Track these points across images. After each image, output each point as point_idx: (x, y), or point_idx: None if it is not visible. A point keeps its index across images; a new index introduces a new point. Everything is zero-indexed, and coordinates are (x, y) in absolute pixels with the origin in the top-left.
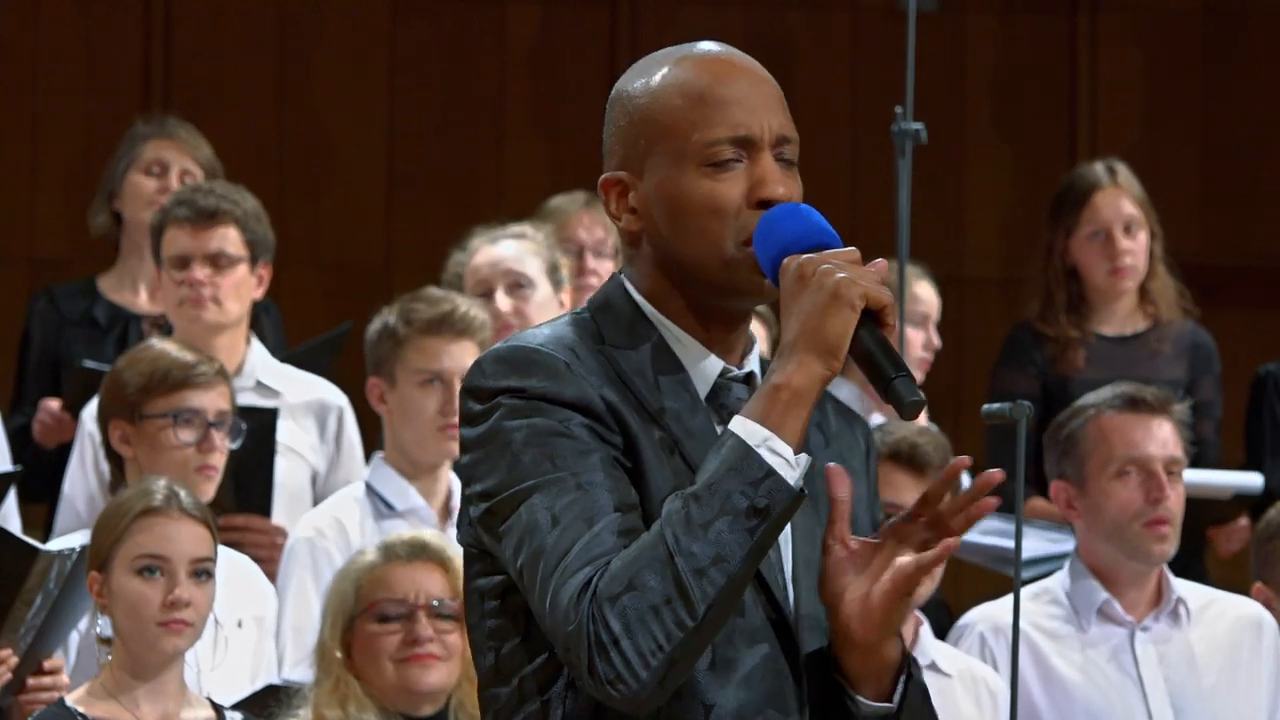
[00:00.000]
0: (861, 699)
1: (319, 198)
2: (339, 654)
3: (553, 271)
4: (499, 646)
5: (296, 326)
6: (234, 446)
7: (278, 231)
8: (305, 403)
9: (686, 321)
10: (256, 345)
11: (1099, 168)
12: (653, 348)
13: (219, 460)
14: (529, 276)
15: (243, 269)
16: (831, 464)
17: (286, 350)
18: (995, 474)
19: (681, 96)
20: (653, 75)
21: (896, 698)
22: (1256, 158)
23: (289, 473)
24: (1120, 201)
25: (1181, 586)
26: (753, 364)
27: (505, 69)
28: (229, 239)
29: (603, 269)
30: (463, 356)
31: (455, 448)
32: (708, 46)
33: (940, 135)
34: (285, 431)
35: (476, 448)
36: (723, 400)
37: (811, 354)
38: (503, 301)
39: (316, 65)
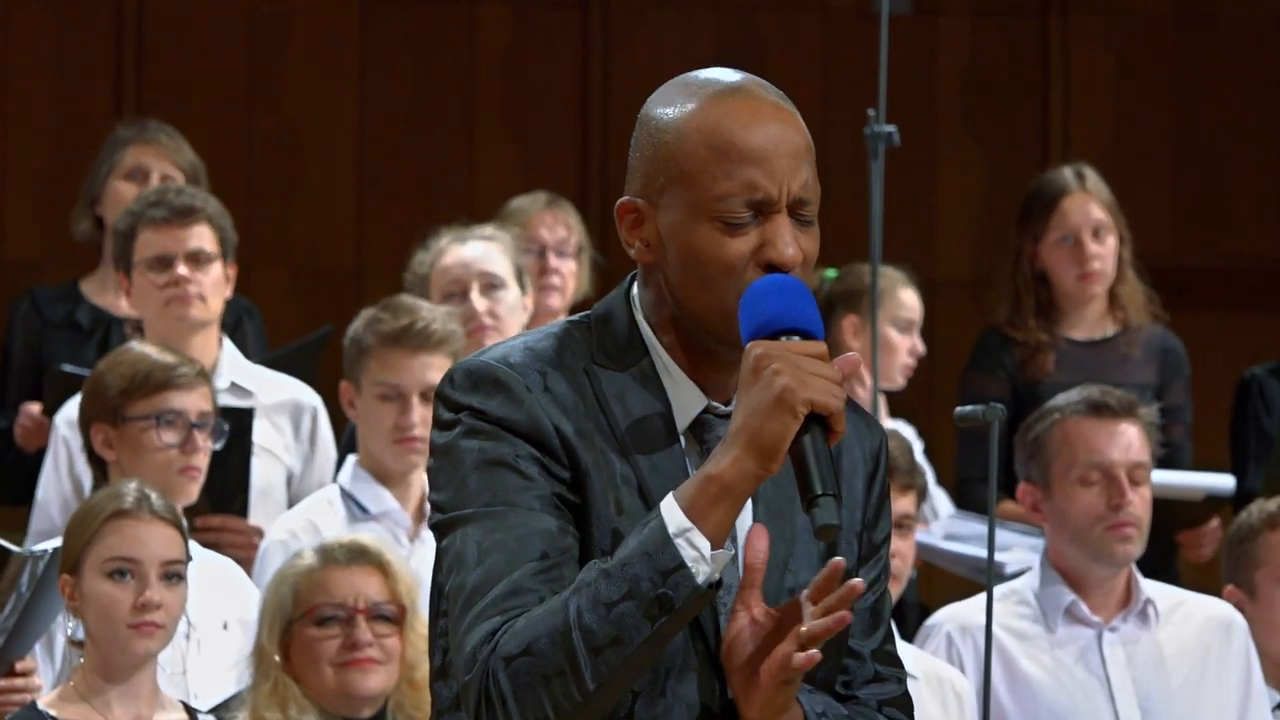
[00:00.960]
0: None
1: (290, 199)
2: (277, 657)
3: (519, 274)
4: (447, 646)
5: (267, 328)
6: (216, 447)
7: (249, 232)
8: (279, 403)
9: (680, 355)
10: (229, 346)
11: (1067, 172)
12: (640, 373)
13: (202, 461)
14: (501, 277)
15: (218, 266)
16: (754, 525)
17: (267, 353)
18: (857, 585)
19: (706, 146)
20: (682, 108)
21: None
22: (1227, 160)
23: (263, 473)
24: (1088, 206)
25: (1150, 588)
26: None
27: (476, 70)
28: (205, 236)
29: (565, 269)
30: (423, 371)
31: (414, 459)
32: (740, 84)
33: (912, 138)
34: (259, 432)
35: (439, 456)
36: (703, 436)
37: (746, 451)
38: (478, 302)
39: (287, 66)
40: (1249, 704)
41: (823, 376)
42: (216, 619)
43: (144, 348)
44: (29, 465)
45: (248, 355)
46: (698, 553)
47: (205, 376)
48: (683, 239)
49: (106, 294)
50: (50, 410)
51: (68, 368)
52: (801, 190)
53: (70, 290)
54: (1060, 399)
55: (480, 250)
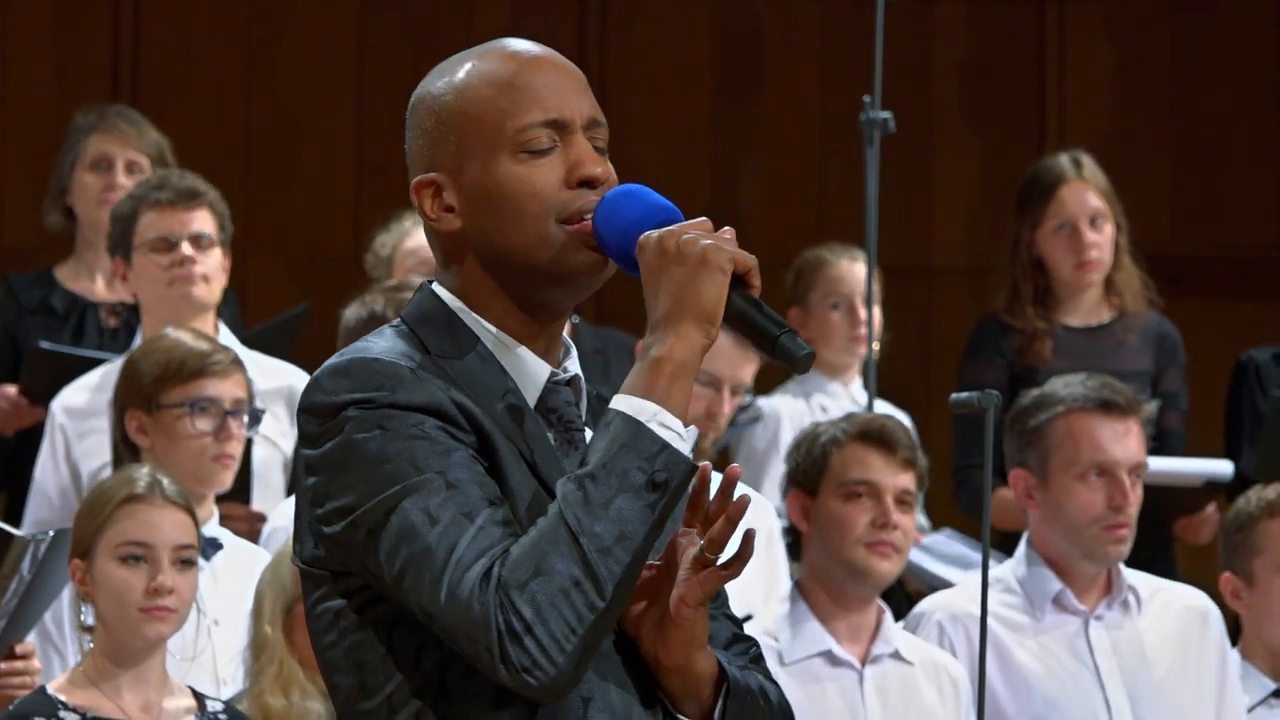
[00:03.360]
0: (683, 718)
1: (288, 187)
2: (282, 641)
3: None
4: (362, 662)
5: (265, 315)
6: (251, 434)
7: (247, 220)
8: (274, 388)
9: (509, 325)
10: (225, 331)
11: (1064, 160)
12: (478, 356)
13: (236, 449)
14: None
15: (219, 252)
16: None
17: (243, 333)
18: (735, 469)
19: (489, 87)
20: (455, 73)
21: (717, 713)
22: (1224, 147)
23: (261, 459)
24: (1086, 195)
25: (1130, 576)
26: (574, 367)
27: None
28: (207, 221)
29: None
30: None
31: None
32: (507, 40)
33: (908, 125)
34: None
35: (326, 466)
36: (550, 404)
37: (689, 324)
38: None
39: (285, 54)
40: (1225, 693)
41: (725, 239)
42: (247, 605)
43: (178, 335)
44: (6, 447)
45: (240, 336)
46: (673, 431)
47: (239, 364)
48: (489, 182)
49: (80, 279)
50: (27, 390)
51: (47, 345)
52: (594, 113)
53: (44, 276)
54: (1061, 388)
55: None
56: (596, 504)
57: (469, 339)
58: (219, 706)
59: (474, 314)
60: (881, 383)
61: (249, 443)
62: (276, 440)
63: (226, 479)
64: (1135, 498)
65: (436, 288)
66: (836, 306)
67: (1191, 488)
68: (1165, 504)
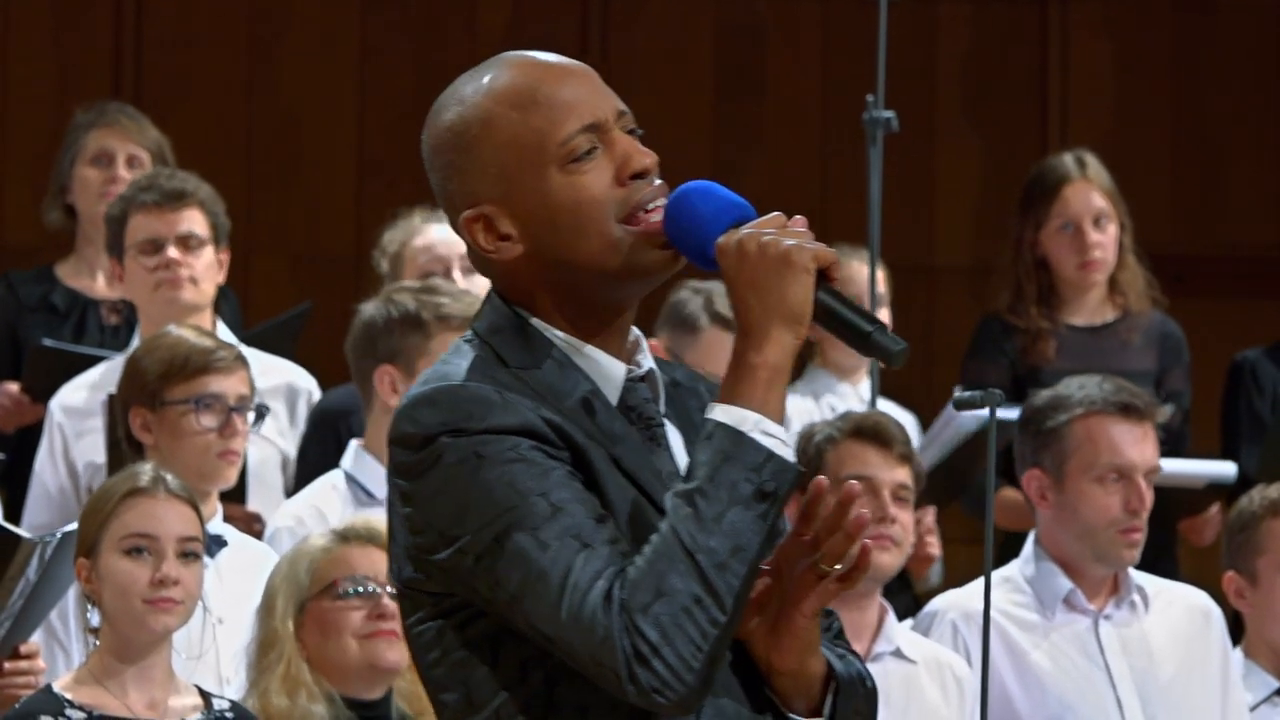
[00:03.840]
0: (794, 716)
1: (289, 186)
2: (292, 638)
3: None
4: (467, 679)
5: (267, 315)
6: (255, 431)
7: (248, 219)
8: (274, 387)
9: (582, 330)
10: (223, 329)
11: (1068, 159)
12: (555, 363)
13: (241, 445)
14: None
15: (210, 250)
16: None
17: (244, 332)
18: (854, 486)
19: (515, 109)
20: (468, 102)
21: (826, 709)
22: (1226, 147)
23: (258, 458)
24: (1090, 194)
25: (1136, 576)
26: (647, 361)
27: (476, 57)
28: (196, 220)
29: None
30: None
31: None
32: (511, 54)
33: (911, 124)
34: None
35: (424, 496)
36: (630, 402)
37: (779, 327)
38: (461, 281)
39: (286, 53)
40: (1228, 691)
41: (804, 235)
42: (251, 604)
43: (182, 332)
44: (8, 445)
45: (240, 336)
46: (775, 439)
47: (243, 360)
48: (544, 201)
49: (81, 277)
50: (29, 388)
51: (50, 342)
52: (619, 104)
53: (45, 273)
54: (1077, 390)
55: None
56: (709, 519)
57: (543, 347)
58: (225, 705)
59: (543, 321)
60: (884, 382)
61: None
62: (274, 439)
63: (231, 475)
64: (1149, 501)
65: (503, 299)
66: None
67: (1194, 489)
68: (1169, 505)
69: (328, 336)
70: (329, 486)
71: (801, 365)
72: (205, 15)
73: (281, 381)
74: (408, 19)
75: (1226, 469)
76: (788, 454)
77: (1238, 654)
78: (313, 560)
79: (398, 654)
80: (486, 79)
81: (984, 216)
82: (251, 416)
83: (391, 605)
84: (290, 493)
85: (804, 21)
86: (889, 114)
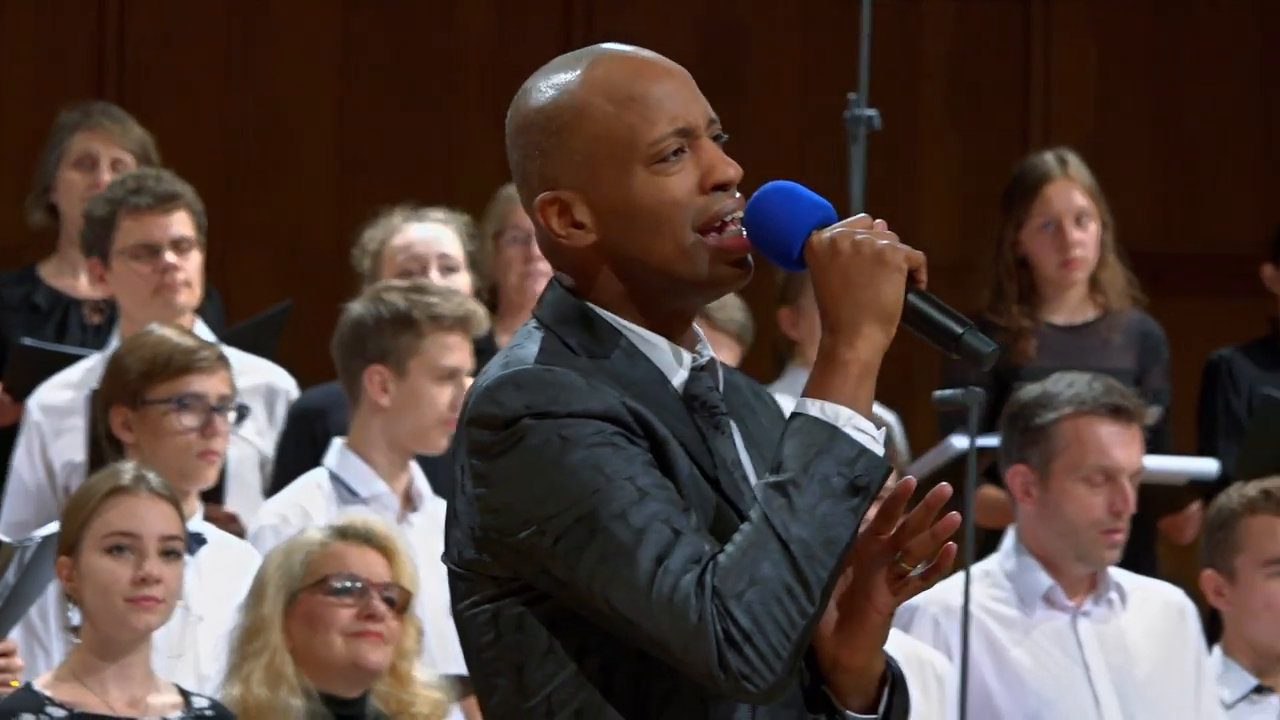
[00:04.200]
0: (850, 713)
1: (271, 183)
2: (279, 628)
3: (473, 261)
4: (521, 663)
5: (248, 312)
6: (236, 431)
7: (230, 216)
8: (253, 386)
9: (647, 320)
10: (202, 328)
11: (1050, 158)
12: (623, 353)
13: (221, 445)
14: (457, 260)
15: (198, 251)
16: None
17: (225, 331)
18: (945, 488)
19: (610, 101)
20: (565, 88)
21: (882, 708)
22: (1207, 146)
23: (237, 458)
24: (1071, 193)
25: (1114, 573)
26: (708, 352)
27: (457, 54)
28: (186, 223)
29: None
30: (469, 356)
31: (447, 443)
32: (611, 47)
33: (893, 122)
34: None
35: (502, 476)
36: (694, 392)
37: (871, 324)
38: (438, 280)
39: (268, 50)
40: (1201, 689)
41: (892, 236)
42: (231, 602)
43: (164, 331)
44: None
45: (221, 335)
46: (867, 434)
47: (225, 360)
48: (624, 198)
49: (64, 276)
50: (10, 387)
51: (30, 341)
52: (709, 111)
53: (27, 273)
54: (1066, 388)
55: (438, 231)
56: (802, 510)
57: (611, 336)
58: (205, 703)
59: (609, 312)
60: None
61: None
62: (252, 439)
63: (212, 475)
64: (1133, 503)
65: (565, 287)
66: None
67: (1176, 486)
68: (1149, 502)
69: (310, 334)
70: (313, 485)
71: (782, 365)
72: (187, 13)
73: (261, 381)
74: (389, 17)
75: (1208, 466)
76: (879, 450)
77: (1216, 652)
78: (309, 553)
79: (381, 656)
80: (584, 67)
81: (966, 214)
82: (233, 416)
83: (381, 607)
84: (268, 493)
85: (785, 20)
86: (871, 112)
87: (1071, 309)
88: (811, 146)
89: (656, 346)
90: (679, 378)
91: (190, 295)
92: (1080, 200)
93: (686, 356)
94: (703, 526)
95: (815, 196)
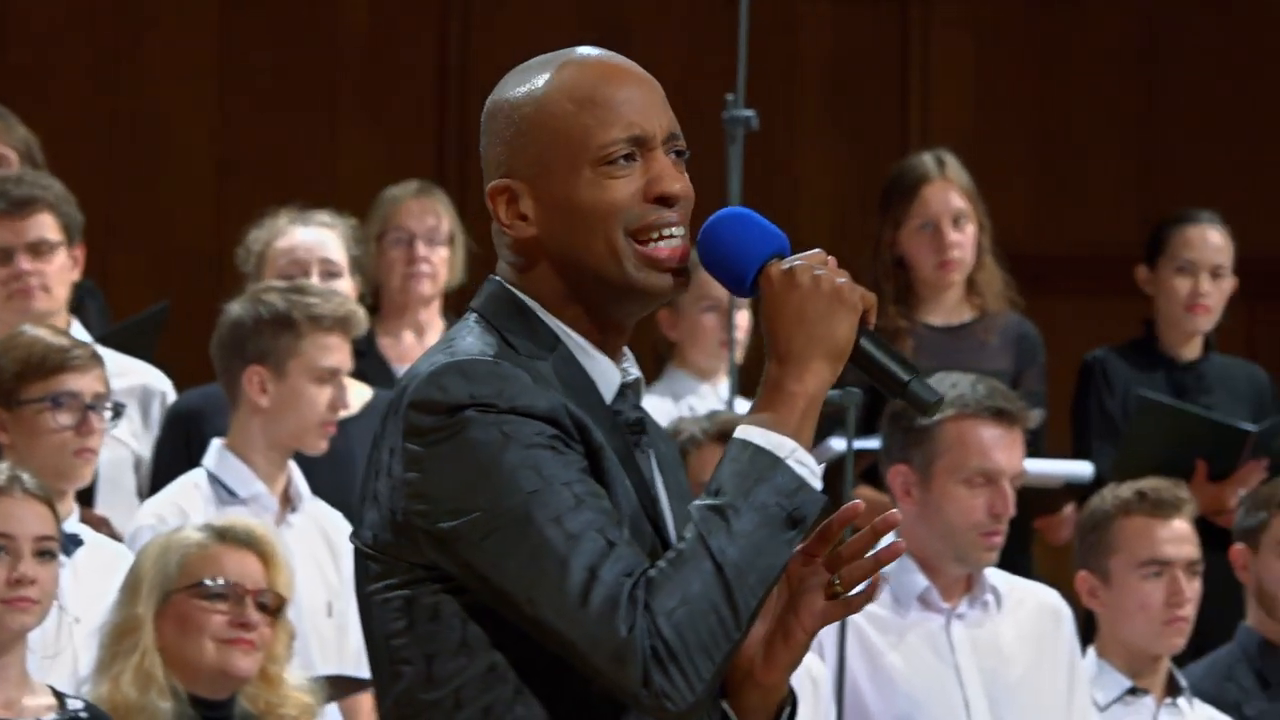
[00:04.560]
0: None
1: (149, 183)
2: (151, 628)
3: (354, 265)
4: (431, 654)
5: (128, 312)
6: (112, 429)
7: (107, 217)
8: (128, 388)
9: (585, 327)
10: (77, 327)
11: (928, 159)
12: (560, 358)
13: (97, 443)
14: (340, 265)
15: (63, 254)
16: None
17: (102, 333)
18: (895, 515)
19: (571, 101)
20: (535, 82)
21: None
22: (1086, 147)
23: (110, 460)
24: (948, 194)
25: (990, 575)
26: (634, 370)
27: (337, 55)
28: (46, 225)
29: (435, 257)
30: (349, 356)
31: (326, 444)
32: (588, 50)
33: (772, 123)
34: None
35: (436, 463)
36: (619, 407)
37: (823, 360)
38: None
39: (147, 50)
40: (1074, 690)
41: (848, 275)
42: (108, 603)
43: (37, 331)
44: None
45: (97, 336)
46: (808, 468)
47: (98, 358)
48: (567, 195)
49: None
50: None
51: None
52: (672, 126)
53: None
54: (950, 388)
55: (322, 235)
56: (739, 534)
57: (548, 337)
58: (79, 705)
59: (547, 312)
60: (747, 382)
61: None
62: (127, 440)
63: (87, 474)
64: (1013, 507)
65: (507, 285)
66: (710, 309)
67: (1051, 488)
68: (1025, 503)
69: (188, 335)
70: (191, 485)
71: (661, 365)
72: (65, 13)
73: (136, 383)
74: (268, 17)
75: (1083, 469)
76: (818, 484)
77: (1090, 653)
78: (185, 553)
79: (251, 663)
80: (557, 66)
81: (845, 215)
82: (108, 414)
83: (254, 615)
84: (144, 495)
85: (666, 20)
86: (749, 113)
87: (948, 310)
88: (690, 146)
89: (591, 356)
90: (609, 391)
91: (48, 300)
92: (958, 202)
93: (618, 372)
94: (634, 540)
95: (772, 226)
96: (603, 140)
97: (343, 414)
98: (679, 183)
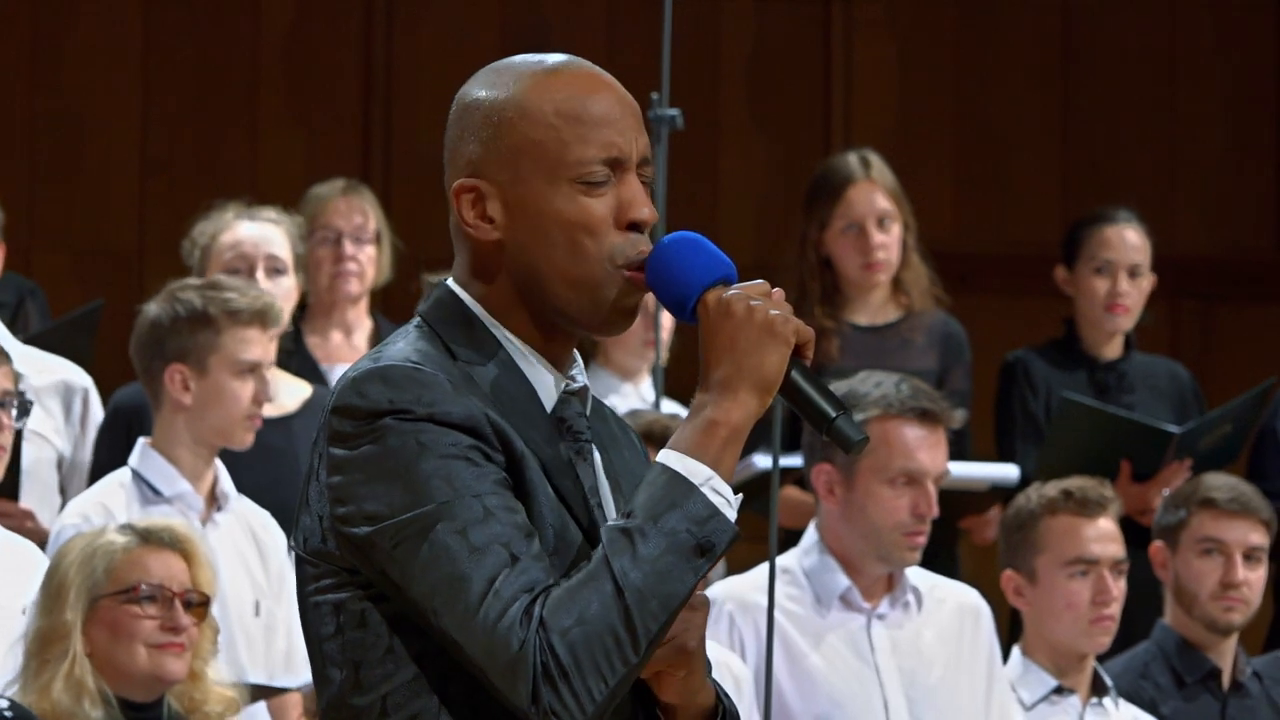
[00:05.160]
0: None
1: (71, 181)
2: (79, 636)
3: (297, 262)
4: (359, 660)
5: (51, 311)
6: (19, 426)
7: (30, 214)
8: (49, 384)
9: (530, 335)
10: None
11: (853, 160)
12: (499, 364)
13: (6, 439)
14: (285, 262)
15: None
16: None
17: (33, 331)
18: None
19: (555, 114)
20: (516, 86)
21: None
22: (1009, 146)
23: (33, 456)
24: (874, 196)
25: (911, 575)
26: (582, 378)
27: (259, 53)
28: None
29: (362, 255)
30: (272, 349)
31: (252, 437)
32: (567, 60)
33: (695, 122)
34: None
35: (356, 468)
36: (562, 415)
37: (749, 391)
38: (263, 282)
39: (69, 48)
40: (993, 689)
41: (787, 307)
42: (16, 603)
43: None
44: None
45: (30, 335)
46: (723, 498)
47: (5, 355)
48: (540, 206)
49: None
50: None
51: None
52: (645, 150)
53: None
54: (873, 388)
55: (268, 231)
56: (644, 559)
57: (491, 345)
58: (4, 704)
59: (496, 320)
60: (671, 382)
61: (18, 439)
62: (50, 437)
63: None
64: (936, 507)
65: (455, 288)
66: None
67: (977, 491)
68: (951, 505)
69: (111, 333)
70: (116, 484)
71: (584, 364)
72: None
73: (57, 379)
74: (192, 16)
75: (1009, 472)
76: (731, 515)
77: (1015, 653)
78: (111, 558)
79: (182, 666)
80: (543, 72)
81: (768, 214)
82: (15, 411)
83: (184, 618)
84: (66, 492)
85: (589, 19)
86: (674, 112)
87: (874, 310)
88: None
89: (533, 364)
90: (549, 398)
91: None
92: (883, 203)
93: (560, 379)
94: (545, 553)
95: (720, 254)
96: (582, 156)
97: (280, 411)
98: (648, 208)
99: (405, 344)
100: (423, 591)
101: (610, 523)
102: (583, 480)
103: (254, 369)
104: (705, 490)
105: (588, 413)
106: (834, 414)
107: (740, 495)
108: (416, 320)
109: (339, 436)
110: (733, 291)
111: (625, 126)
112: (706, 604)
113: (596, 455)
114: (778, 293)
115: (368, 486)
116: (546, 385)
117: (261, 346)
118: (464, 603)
